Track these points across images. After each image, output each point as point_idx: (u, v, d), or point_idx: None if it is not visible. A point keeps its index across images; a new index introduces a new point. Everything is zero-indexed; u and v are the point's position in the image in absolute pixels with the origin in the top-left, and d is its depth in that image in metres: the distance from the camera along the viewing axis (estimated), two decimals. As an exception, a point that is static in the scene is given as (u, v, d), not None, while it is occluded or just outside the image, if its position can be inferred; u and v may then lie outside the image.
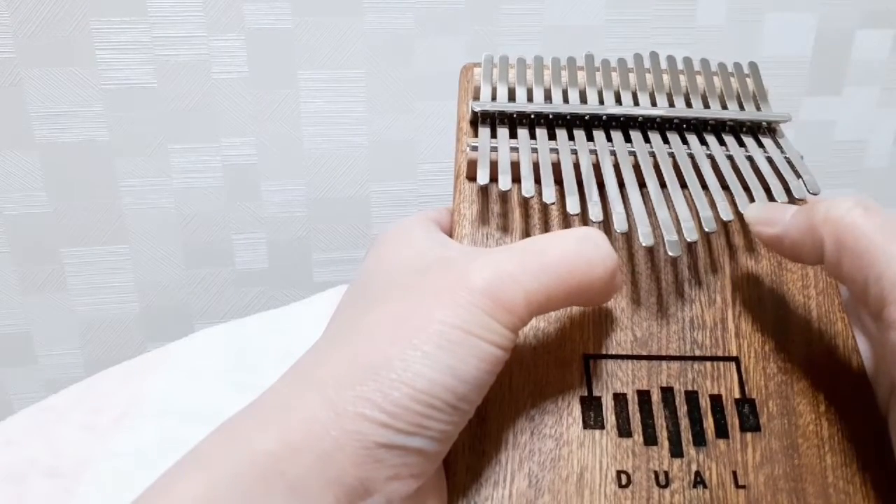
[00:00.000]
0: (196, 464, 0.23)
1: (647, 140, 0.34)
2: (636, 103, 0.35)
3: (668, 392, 0.28)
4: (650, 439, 0.27)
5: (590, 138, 0.34)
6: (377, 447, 0.22)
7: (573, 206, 0.30)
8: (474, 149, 0.33)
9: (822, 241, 0.26)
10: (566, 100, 0.35)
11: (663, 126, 0.34)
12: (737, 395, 0.28)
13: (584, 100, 0.35)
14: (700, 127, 0.35)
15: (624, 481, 0.26)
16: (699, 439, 0.27)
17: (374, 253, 0.29)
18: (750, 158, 0.33)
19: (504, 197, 0.32)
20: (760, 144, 0.34)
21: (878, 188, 0.69)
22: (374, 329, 0.24)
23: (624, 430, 0.27)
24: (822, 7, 0.62)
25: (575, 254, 0.25)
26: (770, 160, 0.33)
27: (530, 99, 0.35)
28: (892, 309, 0.23)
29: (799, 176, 0.32)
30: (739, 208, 0.31)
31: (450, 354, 0.23)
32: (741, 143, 0.34)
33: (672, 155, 0.33)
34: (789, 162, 0.33)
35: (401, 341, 0.23)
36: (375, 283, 0.27)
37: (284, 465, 0.22)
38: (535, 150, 0.32)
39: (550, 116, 0.34)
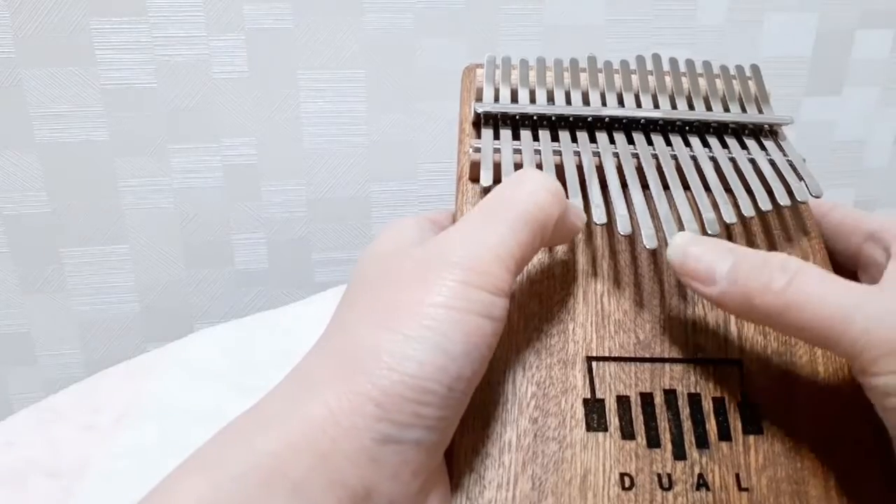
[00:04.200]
0: (199, 465, 0.23)
1: (649, 142, 0.34)
2: (638, 105, 0.35)
3: (671, 394, 0.28)
4: (653, 442, 0.27)
5: (592, 140, 0.34)
6: (374, 444, 0.22)
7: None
8: (477, 150, 0.33)
9: (766, 318, 0.26)
10: (569, 101, 0.35)
11: (666, 128, 0.34)
12: (739, 397, 0.28)
13: (586, 101, 0.35)
14: (702, 129, 0.35)
15: (627, 484, 0.26)
16: (702, 442, 0.27)
17: (366, 254, 0.29)
18: (752, 161, 0.33)
19: None
20: (762, 147, 0.34)
21: (878, 188, 0.69)
22: (359, 322, 0.25)
23: (627, 433, 0.27)
24: (822, 7, 0.62)
25: (520, 194, 0.26)
26: (772, 162, 0.33)
27: (533, 100, 0.35)
28: (862, 359, 0.24)
29: (801, 178, 0.32)
30: (742, 210, 0.31)
31: (435, 333, 0.23)
32: (743, 146, 0.34)
33: (675, 157, 0.33)
34: (791, 164, 0.33)
35: (385, 329, 0.23)
36: (366, 281, 0.27)
37: (287, 467, 0.22)
38: (537, 152, 0.32)
39: (553, 118, 0.34)
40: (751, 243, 0.32)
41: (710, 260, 0.27)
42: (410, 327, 0.23)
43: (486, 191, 0.32)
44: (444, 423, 0.24)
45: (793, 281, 0.25)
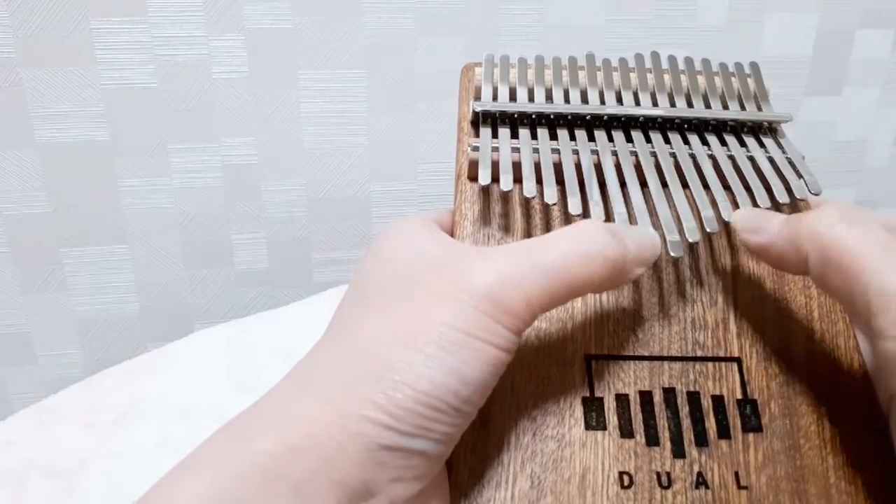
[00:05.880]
0: (198, 464, 0.23)
1: (648, 140, 0.34)
2: (637, 103, 0.35)
3: (669, 393, 0.28)
4: (652, 440, 0.27)
5: (591, 138, 0.33)
6: (380, 449, 0.22)
7: (575, 206, 0.30)
8: (476, 149, 0.33)
9: (806, 254, 0.26)
10: (567, 100, 0.35)
11: (664, 126, 0.34)
12: (739, 395, 0.28)
13: (585, 100, 0.35)
14: (701, 127, 0.34)
15: (626, 482, 0.26)
16: (701, 440, 0.27)
17: (373, 253, 0.29)
18: (751, 158, 0.33)
19: (505, 197, 0.32)
20: (762, 144, 0.34)
21: (878, 188, 0.69)
22: (376, 331, 0.24)
23: (626, 431, 0.27)
24: (822, 7, 0.62)
25: (572, 252, 0.25)
26: (771, 160, 0.33)
27: (531, 99, 0.35)
28: (878, 319, 0.23)
29: (800, 176, 0.32)
30: (741, 208, 0.31)
31: (453, 357, 0.23)
32: (742, 143, 0.34)
33: (673, 155, 0.33)
34: (791, 162, 0.33)
35: (403, 343, 0.23)
36: (375, 283, 0.27)
37: (287, 467, 0.22)
38: (536, 150, 0.32)
39: (552, 116, 0.34)
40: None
41: (769, 216, 0.28)
42: (429, 346, 0.23)
43: (485, 189, 0.32)
44: (449, 436, 0.24)
45: (843, 220, 0.25)
